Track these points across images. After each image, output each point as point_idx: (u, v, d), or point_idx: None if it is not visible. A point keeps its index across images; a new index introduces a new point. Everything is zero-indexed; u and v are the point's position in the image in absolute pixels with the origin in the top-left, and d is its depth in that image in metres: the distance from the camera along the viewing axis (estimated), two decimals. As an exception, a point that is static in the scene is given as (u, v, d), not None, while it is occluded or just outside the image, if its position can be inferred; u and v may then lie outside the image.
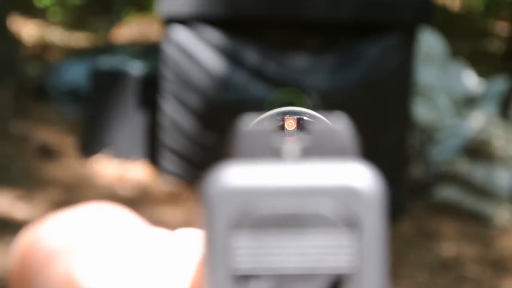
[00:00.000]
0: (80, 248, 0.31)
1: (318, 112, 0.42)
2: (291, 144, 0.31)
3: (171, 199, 3.94)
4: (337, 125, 0.32)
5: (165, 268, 0.32)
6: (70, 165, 4.25)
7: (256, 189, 0.27)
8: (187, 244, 0.33)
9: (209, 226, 0.27)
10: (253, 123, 0.32)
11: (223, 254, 0.27)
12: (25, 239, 0.33)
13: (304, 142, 0.31)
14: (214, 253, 0.27)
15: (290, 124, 0.41)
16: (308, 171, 0.28)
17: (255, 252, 0.27)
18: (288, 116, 0.41)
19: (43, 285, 0.31)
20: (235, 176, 0.28)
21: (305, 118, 0.41)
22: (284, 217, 0.27)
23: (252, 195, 0.27)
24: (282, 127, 0.41)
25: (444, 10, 8.04)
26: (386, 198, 0.28)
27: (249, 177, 0.28)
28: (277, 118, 0.41)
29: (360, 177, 0.28)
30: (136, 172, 4.23)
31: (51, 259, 0.31)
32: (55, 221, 0.33)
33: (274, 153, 0.30)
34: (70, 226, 0.32)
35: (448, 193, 4.16)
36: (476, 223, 3.98)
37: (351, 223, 0.27)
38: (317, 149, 0.30)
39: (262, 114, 0.42)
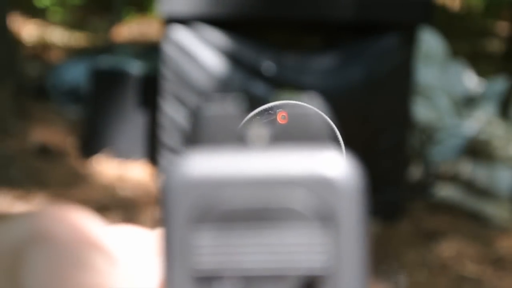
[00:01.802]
0: (31, 248, 0.28)
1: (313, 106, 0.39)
2: (259, 129, 0.28)
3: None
4: (309, 108, 0.29)
5: (136, 268, 0.28)
6: (70, 165, 4.25)
7: (219, 180, 0.24)
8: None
9: (167, 221, 0.24)
10: (217, 106, 0.28)
11: (182, 252, 0.24)
12: None
13: (274, 127, 0.28)
14: (172, 251, 0.24)
15: (283, 117, 0.38)
16: (277, 159, 0.25)
17: (219, 251, 0.24)
18: (280, 109, 0.38)
19: None
20: (196, 165, 0.24)
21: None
22: (250, 211, 0.24)
23: (214, 186, 0.24)
24: (275, 121, 0.38)
25: (444, 10, 8.04)
26: (365, 188, 0.25)
27: (212, 167, 0.24)
28: (270, 112, 0.38)
29: (334, 165, 0.25)
30: (136, 172, 4.23)
31: None
32: (4, 224, 0.30)
33: (240, 140, 0.27)
34: (19, 227, 0.29)
35: (448, 193, 4.16)
36: (476, 223, 3.98)
37: (325, 217, 0.24)
38: (288, 135, 0.27)
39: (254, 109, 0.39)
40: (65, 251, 0.28)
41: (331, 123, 0.29)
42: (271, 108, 0.39)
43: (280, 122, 0.38)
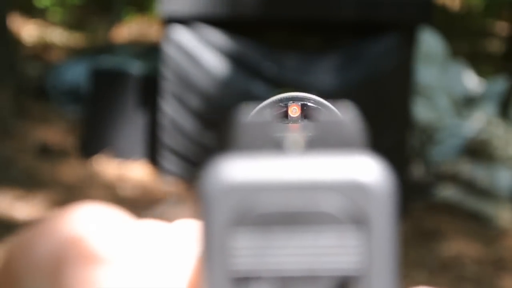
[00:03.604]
0: (69, 254, 0.30)
1: (323, 99, 0.40)
2: (295, 135, 0.29)
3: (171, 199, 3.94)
4: (343, 115, 0.30)
5: (163, 265, 0.30)
6: (70, 165, 4.25)
7: (257, 184, 0.25)
8: (185, 237, 0.31)
9: (206, 224, 0.25)
10: (253, 114, 0.29)
11: (222, 254, 0.25)
12: (11, 245, 0.31)
13: (309, 134, 0.29)
14: (211, 253, 0.25)
15: (294, 110, 0.39)
16: (312, 164, 0.26)
17: (256, 252, 0.25)
18: (292, 102, 0.39)
19: None
20: (234, 170, 0.26)
21: (309, 104, 0.39)
22: (287, 214, 0.25)
23: (252, 191, 0.25)
24: (286, 114, 0.39)
25: (444, 10, 8.04)
26: (396, 194, 0.26)
27: (250, 172, 0.26)
28: (281, 104, 0.39)
29: (368, 171, 0.26)
30: (136, 172, 4.23)
31: (37, 265, 0.30)
32: (43, 226, 0.31)
33: (276, 146, 0.28)
34: (59, 230, 0.31)
35: (448, 193, 4.16)
36: (476, 223, 3.98)
37: (358, 221, 0.25)
38: (322, 141, 0.28)
39: (265, 101, 0.39)
40: (97, 254, 0.30)
41: (363, 130, 0.30)
42: (281, 101, 0.39)
43: (291, 115, 0.39)
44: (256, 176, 0.26)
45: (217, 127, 3.86)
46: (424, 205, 4.13)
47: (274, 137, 0.28)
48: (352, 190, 0.25)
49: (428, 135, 4.44)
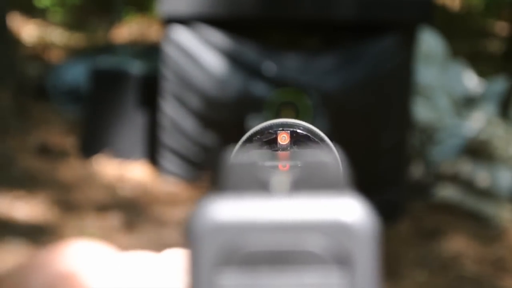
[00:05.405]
0: None
1: (312, 124, 0.40)
2: (280, 177, 0.30)
3: (171, 199, 3.94)
4: (328, 156, 0.30)
5: None
6: (70, 165, 4.25)
7: (244, 224, 0.26)
8: (172, 269, 0.32)
9: (194, 263, 0.26)
10: (240, 155, 0.30)
11: None
12: (4, 278, 0.33)
13: (294, 175, 0.30)
14: None
15: (284, 138, 0.39)
16: (297, 205, 0.27)
17: None
18: (281, 129, 0.40)
19: None
20: (221, 210, 0.26)
21: (298, 131, 0.40)
22: (273, 254, 0.26)
23: (239, 231, 0.26)
24: (275, 141, 0.40)
25: (444, 10, 8.04)
26: (380, 233, 0.27)
27: (237, 212, 0.26)
28: (270, 131, 0.40)
29: (352, 211, 0.26)
30: (136, 172, 4.23)
31: None
32: (36, 261, 0.32)
33: (262, 187, 0.28)
34: (51, 266, 0.32)
35: (448, 193, 4.16)
36: (476, 223, 3.98)
37: (342, 261, 0.26)
38: (307, 182, 0.29)
39: (255, 126, 0.40)
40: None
41: (347, 170, 0.31)
42: (271, 127, 0.40)
43: (281, 142, 0.39)
44: (243, 216, 0.26)
45: (210, 168, 3.88)
46: (424, 205, 4.13)
47: (260, 178, 0.29)
48: (336, 230, 0.26)
49: (428, 135, 4.44)
